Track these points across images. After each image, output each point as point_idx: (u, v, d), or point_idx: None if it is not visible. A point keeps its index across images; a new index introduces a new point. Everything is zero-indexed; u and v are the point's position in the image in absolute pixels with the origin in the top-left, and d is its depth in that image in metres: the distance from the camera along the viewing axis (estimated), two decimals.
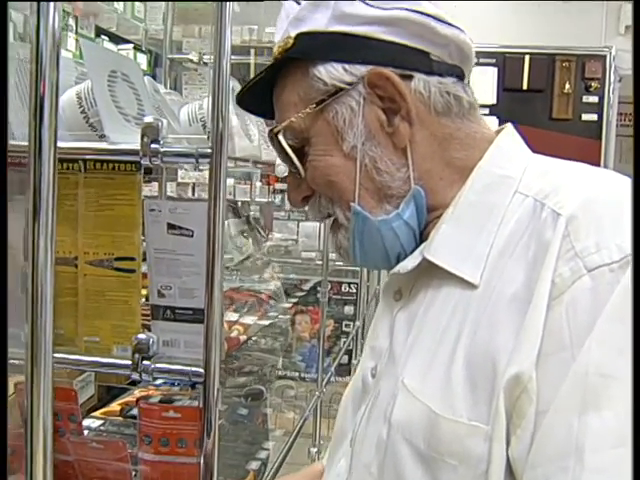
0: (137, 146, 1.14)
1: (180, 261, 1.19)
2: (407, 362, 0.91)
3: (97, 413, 2.01)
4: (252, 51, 4.01)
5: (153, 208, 1.18)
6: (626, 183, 0.83)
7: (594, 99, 4.93)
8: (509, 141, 1.00)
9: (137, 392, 2.17)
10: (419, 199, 0.96)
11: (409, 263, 0.96)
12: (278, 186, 4.44)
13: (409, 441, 0.86)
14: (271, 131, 1.01)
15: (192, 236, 1.17)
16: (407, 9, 0.93)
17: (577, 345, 0.74)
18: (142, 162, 1.15)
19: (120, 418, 1.97)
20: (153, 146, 1.13)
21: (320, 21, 0.96)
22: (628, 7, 5.39)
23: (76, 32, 3.57)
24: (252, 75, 4.23)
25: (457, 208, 0.94)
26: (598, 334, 0.73)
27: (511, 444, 0.78)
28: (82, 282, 1.22)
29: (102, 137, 1.23)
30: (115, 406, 2.07)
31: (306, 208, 1.06)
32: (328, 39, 0.96)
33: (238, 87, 1.56)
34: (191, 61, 2.50)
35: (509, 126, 1.02)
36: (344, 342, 3.82)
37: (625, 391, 0.70)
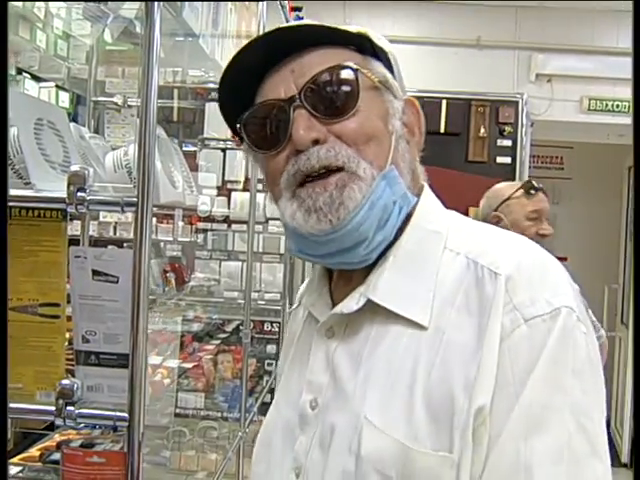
0: (63, 194, 1.16)
1: (105, 307, 1.20)
2: (365, 398, 0.95)
3: (15, 459, 1.97)
4: (175, 92, 4.02)
5: (78, 255, 1.19)
6: (536, 246, 0.99)
7: (508, 142, 5.11)
8: (432, 197, 1.10)
9: (57, 436, 2.13)
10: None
11: (352, 304, 1.00)
12: (200, 225, 4.45)
13: (381, 472, 0.91)
14: (346, 66, 1.00)
15: (117, 282, 1.19)
16: None
17: (520, 382, 0.87)
18: (68, 210, 1.17)
19: (39, 464, 1.93)
20: (79, 194, 1.15)
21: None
22: (539, 57, 5.65)
23: None
24: (175, 117, 4.25)
25: (397, 257, 1.02)
26: (538, 373, 0.87)
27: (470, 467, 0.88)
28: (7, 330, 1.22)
29: (27, 184, 1.24)
30: (34, 452, 2.03)
31: (310, 151, 0.99)
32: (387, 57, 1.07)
33: (163, 134, 1.59)
34: (116, 104, 2.51)
35: (426, 186, 1.11)
36: (267, 381, 3.83)
37: (561, 418, 0.86)
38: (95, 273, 1.19)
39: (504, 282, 0.91)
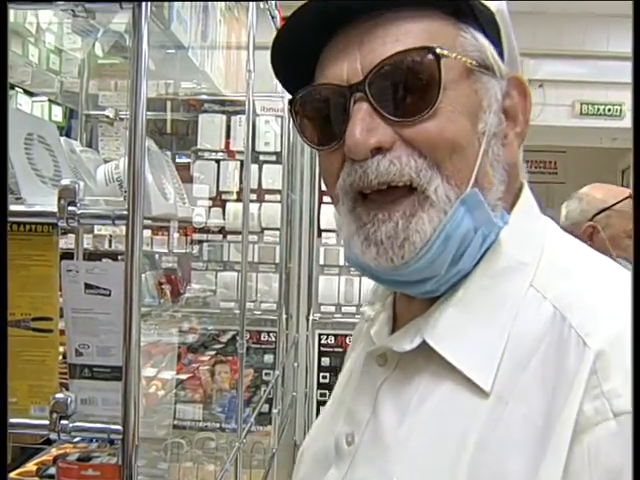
0: (54, 208, 1.17)
1: (97, 320, 1.20)
2: (399, 460, 0.81)
3: (13, 474, 1.97)
4: (168, 104, 4.03)
5: (70, 269, 1.19)
6: None
7: None
8: (527, 209, 0.90)
9: (54, 450, 2.13)
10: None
11: (405, 342, 0.84)
12: (196, 237, 4.46)
13: None
14: (426, 49, 0.79)
15: (109, 295, 1.19)
16: None
17: None
18: (59, 224, 1.17)
19: (36, 479, 1.93)
20: (70, 208, 1.16)
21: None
22: (530, 62, 5.66)
23: None
24: (168, 129, 4.26)
25: (468, 292, 0.84)
26: None
27: None
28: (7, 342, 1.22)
29: (19, 199, 1.25)
30: (31, 466, 2.03)
31: (367, 163, 0.80)
32: (494, 20, 0.84)
33: (153, 147, 1.60)
34: (107, 117, 2.52)
35: (526, 186, 0.92)
36: (264, 391, 3.83)
37: None
38: (87, 286, 1.20)
39: (593, 359, 0.71)
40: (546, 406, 0.73)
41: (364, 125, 0.78)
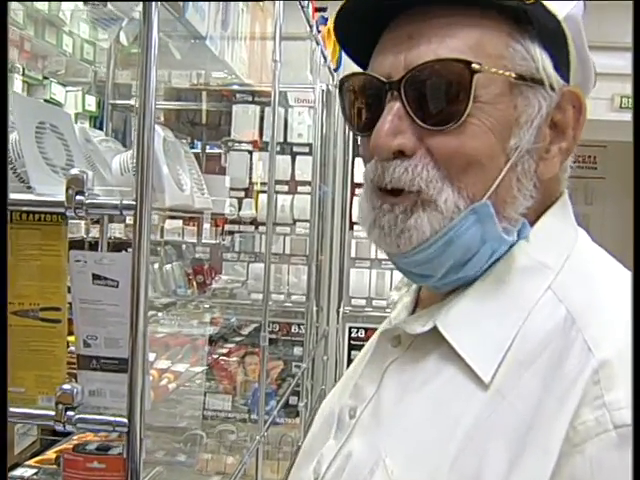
0: (62, 197, 1.16)
1: (105, 311, 1.19)
2: (390, 435, 0.84)
3: (32, 461, 1.98)
4: (199, 94, 4.03)
5: (78, 259, 1.19)
6: None
7: None
8: (560, 215, 0.89)
9: (75, 439, 2.14)
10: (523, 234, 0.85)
11: (417, 326, 0.86)
12: (227, 228, 4.46)
13: None
14: (462, 62, 0.79)
15: (117, 286, 1.18)
16: None
17: None
18: (67, 214, 1.16)
19: (55, 466, 1.94)
20: (78, 198, 1.15)
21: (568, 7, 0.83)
22: None
23: (23, 74, 3.57)
24: (199, 119, 4.26)
25: (486, 283, 0.85)
26: None
27: None
28: (7, 332, 1.22)
29: (29, 188, 1.24)
30: (51, 454, 2.05)
31: (386, 164, 0.82)
32: (561, 29, 0.82)
33: (170, 137, 1.59)
34: (132, 106, 2.52)
35: (565, 195, 0.91)
36: (291, 384, 3.82)
37: None
38: (95, 277, 1.19)
39: (596, 367, 0.71)
40: (541, 407, 0.73)
41: (392, 126, 0.80)
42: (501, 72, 0.79)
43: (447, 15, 0.80)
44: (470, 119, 0.79)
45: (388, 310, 1.07)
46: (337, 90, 0.93)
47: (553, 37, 0.81)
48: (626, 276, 0.83)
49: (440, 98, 0.80)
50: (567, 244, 0.86)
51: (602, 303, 0.79)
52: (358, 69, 0.91)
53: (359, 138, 0.91)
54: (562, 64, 0.83)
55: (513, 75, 0.80)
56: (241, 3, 1.99)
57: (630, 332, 0.73)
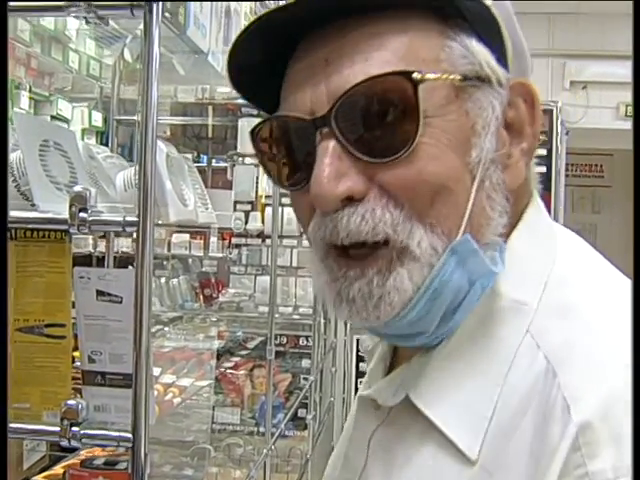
0: (66, 215, 1.17)
1: (110, 327, 1.20)
2: None
3: (39, 477, 1.99)
4: (209, 108, 4.05)
5: (82, 275, 1.20)
6: None
7: (542, 152, 5.05)
8: (530, 231, 0.77)
9: (83, 453, 2.14)
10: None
11: (389, 395, 0.77)
12: (234, 241, 4.47)
13: None
14: (401, 74, 0.66)
15: (121, 302, 1.19)
16: None
17: None
18: (71, 230, 1.17)
19: None
20: (81, 215, 1.16)
21: None
22: (572, 64, 5.58)
23: (30, 91, 3.60)
24: (205, 134, 4.28)
25: (458, 338, 0.73)
26: None
27: None
28: (12, 349, 1.23)
29: (34, 205, 1.25)
30: (58, 469, 2.05)
31: (337, 215, 0.68)
32: (491, 15, 0.70)
33: (174, 153, 1.60)
34: (137, 121, 2.54)
35: (536, 197, 0.80)
36: (298, 396, 3.82)
37: None
38: (99, 293, 1.20)
39: (575, 433, 0.61)
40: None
41: (332, 169, 0.66)
42: (445, 77, 0.68)
43: (366, 25, 0.68)
44: (422, 140, 0.66)
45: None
46: (251, 142, 0.77)
47: (487, 26, 0.70)
48: (619, 287, 0.75)
49: (382, 123, 0.67)
50: (544, 269, 0.73)
51: (583, 341, 0.67)
52: None
53: (290, 195, 0.77)
54: (502, 55, 0.72)
55: (458, 77, 0.69)
56: (242, 19, 2.01)
57: (615, 375, 0.63)
